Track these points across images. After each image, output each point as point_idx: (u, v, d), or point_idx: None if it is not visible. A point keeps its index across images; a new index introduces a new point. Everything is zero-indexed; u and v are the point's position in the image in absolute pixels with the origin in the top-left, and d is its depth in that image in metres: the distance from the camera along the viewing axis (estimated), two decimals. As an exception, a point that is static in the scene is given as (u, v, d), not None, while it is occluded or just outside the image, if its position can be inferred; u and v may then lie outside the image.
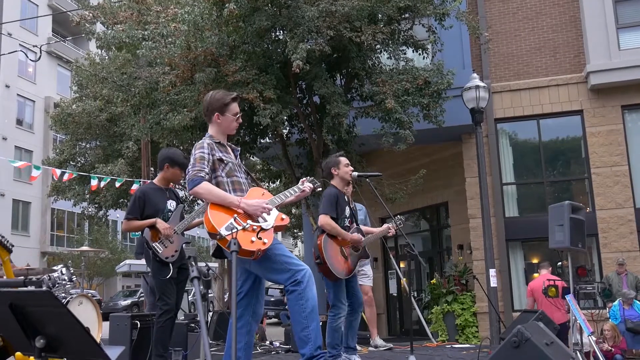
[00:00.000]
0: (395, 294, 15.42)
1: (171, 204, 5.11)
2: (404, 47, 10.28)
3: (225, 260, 6.46)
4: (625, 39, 11.92)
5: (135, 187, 12.64)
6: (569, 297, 5.99)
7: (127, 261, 20.53)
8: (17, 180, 31.36)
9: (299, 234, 25.64)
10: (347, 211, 5.04)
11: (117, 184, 13.89)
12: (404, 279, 10.80)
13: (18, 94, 32.78)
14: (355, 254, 4.98)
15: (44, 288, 3.92)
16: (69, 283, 5.41)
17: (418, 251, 13.78)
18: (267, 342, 8.32)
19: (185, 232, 5.12)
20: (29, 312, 2.31)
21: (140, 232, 5.07)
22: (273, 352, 7.28)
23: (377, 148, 10.67)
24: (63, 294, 5.51)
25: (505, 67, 12.53)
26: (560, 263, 10.66)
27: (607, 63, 11.64)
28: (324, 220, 4.81)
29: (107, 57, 16.86)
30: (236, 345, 3.25)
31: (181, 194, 12.25)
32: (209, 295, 12.25)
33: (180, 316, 8.74)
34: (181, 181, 6.60)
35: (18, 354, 3.20)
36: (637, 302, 8.83)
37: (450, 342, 9.83)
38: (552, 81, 12.17)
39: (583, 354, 5.79)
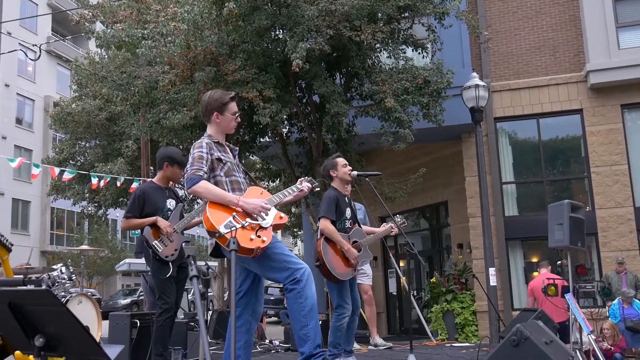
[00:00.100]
0: (394, 293, 15.42)
1: (170, 203, 5.11)
2: (404, 46, 10.27)
3: (225, 259, 6.45)
4: (625, 38, 11.92)
5: (134, 185, 12.64)
6: (569, 296, 5.99)
7: (127, 260, 20.55)
8: (16, 179, 31.36)
9: (299, 233, 25.65)
10: (348, 212, 5.04)
11: (118, 183, 13.88)
12: (404, 277, 10.80)
13: (17, 93, 32.77)
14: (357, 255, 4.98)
15: (43, 287, 3.93)
16: (68, 282, 5.42)
17: (418, 250, 13.79)
18: (267, 341, 8.32)
19: (184, 231, 5.12)
20: (28, 311, 2.31)
21: (140, 231, 5.08)
22: (272, 351, 7.28)
23: (377, 147, 10.67)
24: (62, 293, 5.53)
25: (505, 66, 12.53)
26: (559, 262, 10.69)
27: (607, 62, 11.64)
28: (323, 224, 4.82)
29: (106, 56, 16.86)
30: (235, 344, 3.26)
31: (180, 192, 12.24)
32: (209, 294, 12.26)
33: (180, 315, 8.76)
34: (181, 180, 6.59)
35: (17, 352, 3.21)
36: (637, 300, 8.83)
37: (450, 341, 9.84)
38: (552, 80, 12.17)
39: (582, 353, 5.79)
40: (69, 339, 2.32)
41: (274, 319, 21.55)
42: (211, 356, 2.76)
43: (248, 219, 3.38)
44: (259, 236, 3.38)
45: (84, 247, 15.21)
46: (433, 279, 12.49)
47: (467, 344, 8.32)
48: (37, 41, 20.29)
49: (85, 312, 5.67)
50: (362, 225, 5.31)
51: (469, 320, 11.49)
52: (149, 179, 7.39)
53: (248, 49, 9.14)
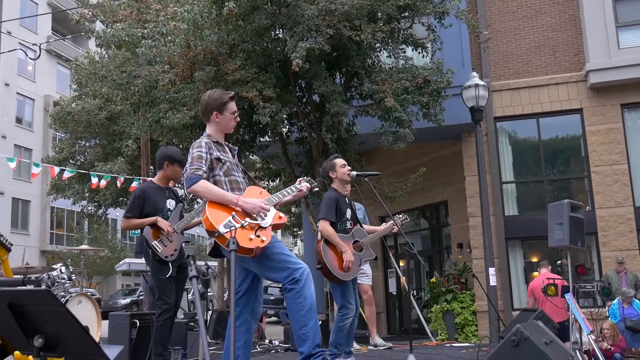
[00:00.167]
0: (394, 293, 15.41)
1: (170, 203, 5.10)
2: (404, 46, 10.27)
3: (224, 258, 6.45)
4: (625, 37, 11.92)
5: (134, 185, 12.64)
6: (569, 296, 5.99)
7: (127, 260, 20.57)
8: (16, 178, 31.34)
9: (299, 232, 25.64)
10: (349, 213, 5.04)
11: (118, 184, 13.88)
12: (404, 277, 10.80)
13: (17, 92, 32.76)
14: (358, 255, 4.98)
15: (43, 287, 3.92)
16: (68, 282, 5.41)
17: (417, 250, 13.80)
18: (267, 341, 8.32)
19: (184, 231, 5.12)
20: (28, 311, 2.31)
21: (140, 231, 5.07)
22: (272, 351, 7.28)
23: (377, 147, 10.67)
24: (62, 293, 5.52)
25: (505, 65, 12.53)
26: (559, 262, 10.68)
27: (607, 62, 11.64)
28: (323, 226, 4.82)
29: (106, 56, 16.85)
30: (235, 343, 3.26)
31: (180, 192, 12.24)
32: (208, 294, 12.26)
33: (180, 315, 8.75)
34: (181, 179, 6.59)
35: (17, 352, 3.21)
36: (637, 300, 8.83)
37: (450, 341, 9.85)
38: (552, 80, 12.17)
39: (582, 353, 5.79)
40: (69, 339, 2.31)
41: (273, 318, 21.55)
42: (211, 356, 2.76)
43: (247, 219, 3.38)
44: (258, 236, 3.38)
45: (83, 246, 15.22)
46: (433, 279, 12.49)
47: (467, 344, 8.33)
48: (37, 40, 20.31)
49: (84, 312, 5.67)
50: (363, 225, 5.30)
51: (468, 320, 11.49)
52: (149, 179, 7.38)
53: (248, 49, 9.14)
